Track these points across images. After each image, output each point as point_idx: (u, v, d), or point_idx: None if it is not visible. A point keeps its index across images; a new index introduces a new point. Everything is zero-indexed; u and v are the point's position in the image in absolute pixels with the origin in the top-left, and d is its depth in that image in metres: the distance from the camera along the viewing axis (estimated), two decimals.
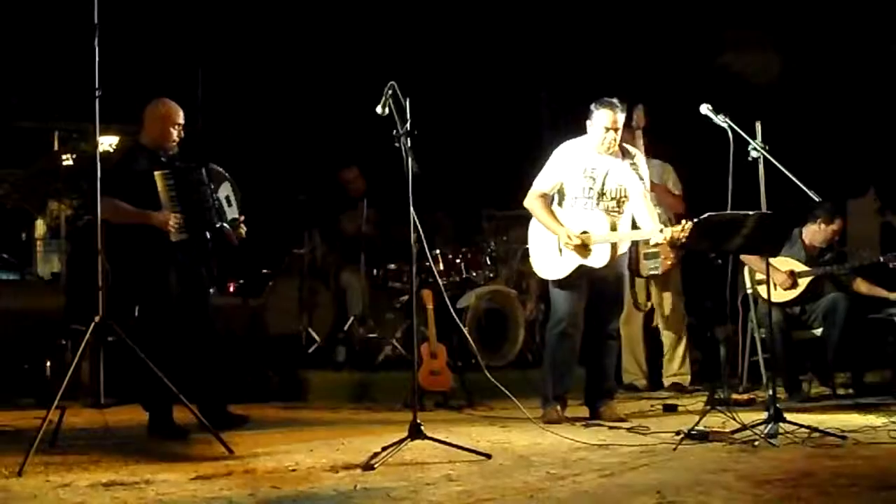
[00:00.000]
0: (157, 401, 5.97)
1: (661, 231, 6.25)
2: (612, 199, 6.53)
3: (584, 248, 6.43)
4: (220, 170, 6.38)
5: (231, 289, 10.07)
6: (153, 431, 6.05)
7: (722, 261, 6.63)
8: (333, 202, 9.35)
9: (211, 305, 6.54)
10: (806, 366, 8.04)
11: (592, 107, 6.52)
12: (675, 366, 8.24)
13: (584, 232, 6.46)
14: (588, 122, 6.55)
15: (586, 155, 6.56)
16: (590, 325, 6.69)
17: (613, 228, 6.46)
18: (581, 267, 6.50)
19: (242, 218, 6.40)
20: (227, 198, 6.33)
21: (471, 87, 11.32)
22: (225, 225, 6.27)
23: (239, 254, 6.52)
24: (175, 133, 6.19)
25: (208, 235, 6.23)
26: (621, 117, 6.49)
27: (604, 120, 6.46)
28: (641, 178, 6.54)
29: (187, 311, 6.15)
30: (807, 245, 7.94)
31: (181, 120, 6.22)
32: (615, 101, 6.50)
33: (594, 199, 6.51)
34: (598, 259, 6.45)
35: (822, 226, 7.89)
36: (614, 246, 6.46)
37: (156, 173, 6.05)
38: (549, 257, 6.65)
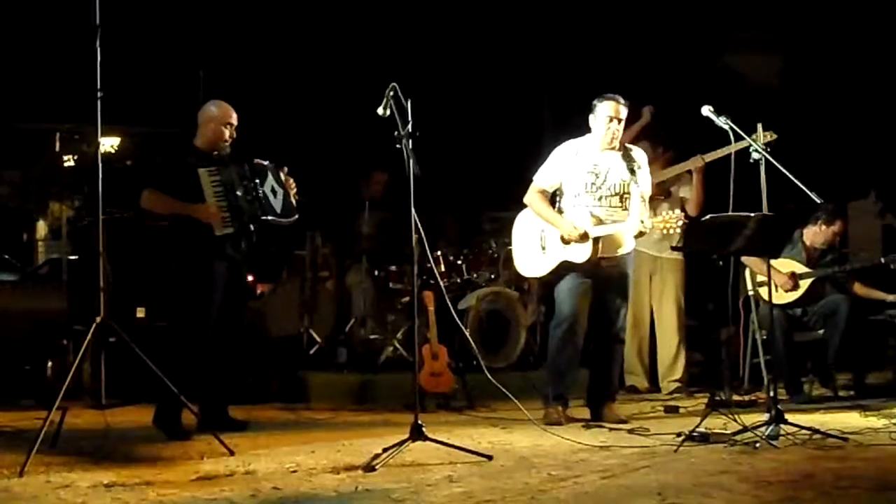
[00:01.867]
0: (168, 396, 5.92)
1: (643, 222, 6.28)
2: (615, 194, 6.54)
3: (586, 238, 6.44)
4: (264, 162, 6.42)
5: (258, 291, 10.06)
6: (158, 422, 6.05)
7: (723, 262, 6.64)
8: (344, 202, 9.35)
9: (245, 305, 6.57)
10: (807, 367, 8.04)
11: (595, 101, 6.58)
12: (675, 371, 8.22)
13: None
14: (591, 117, 6.60)
15: (589, 152, 6.58)
16: (596, 326, 6.70)
17: (597, 223, 6.46)
18: (563, 262, 6.52)
19: (292, 187, 6.44)
20: (273, 190, 6.37)
21: (473, 89, 11.33)
22: (270, 218, 6.30)
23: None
24: (227, 133, 6.28)
25: (252, 228, 6.27)
26: (623, 110, 6.55)
27: (607, 110, 6.52)
28: (638, 173, 6.54)
29: (227, 308, 6.18)
30: (807, 246, 7.94)
31: (233, 120, 6.31)
32: (616, 95, 6.55)
33: (597, 194, 6.51)
34: (579, 254, 6.46)
35: (823, 227, 7.89)
36: (596, 241, 6.45)
37: (200, 171, 6.14)
38: (532, 254, 6.72)
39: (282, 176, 6.44)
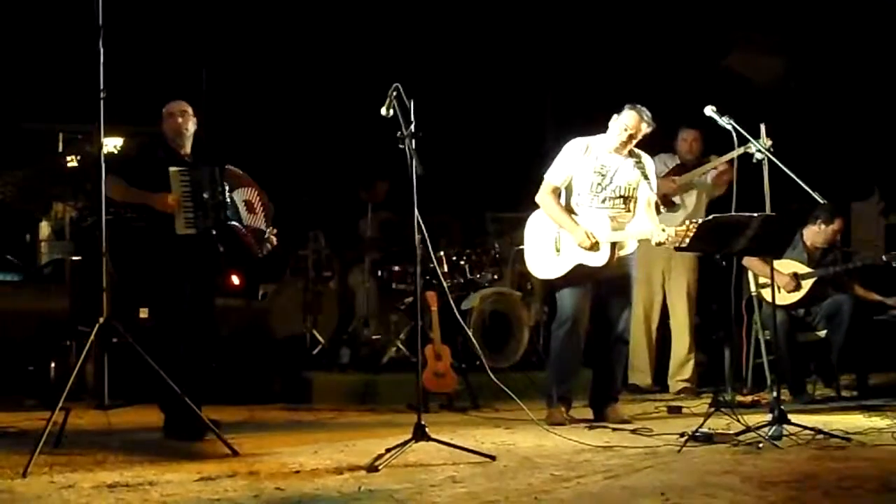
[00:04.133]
0: (173, 401, 5.89)
1: (664, 230, 6.25)
2: (620, 196, 6.52)
3: (597, 248, 6.41)
4: (241, 173, 6.39)
5: (261, 293, 10.07)
6: (168, 433, 6.03)
7: (726, 263, 6.63)
8: (346, 203, 9.35)
9: (214, 307, 6.53)
10: (810, 368, 8.03)
11: (626, 105, 6.50)
12: (685, 370, 8.22)
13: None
14: (614, 116, 6.53)
15: (597, 151, 6.56)
16: (599, 326, 6.69)
17: (617, 228, 6.45)
18: (579, 265, 6.49)
19: (273, 231, 6.43)
20: (246, 202, 6.34)
21: (477, 89, 11.32)
22: (236, 224, 6.27)
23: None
24: (182, 121, 6.22)
25: (214, 232, 6.23)
26: (645, 127, 6.47)
27: (627, 120, 6.47)
28: (647, 179, 6.53)
29: (194, 310, 6.15)
30: (808, 246, 7.93)
31: (183, 107, 6.25)
32: (646, 111, 6.48)
33: (601, 195, 6.50)
34: (597, 258, 6.44)
35: (823, 226, 7.87)
36: (614, 245, 6.44)
37: (171, 169, 6.10)
38: (546, 256, 6.66)
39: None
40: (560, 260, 6.57)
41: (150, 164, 6.16)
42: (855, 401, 7.65)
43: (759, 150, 6.04)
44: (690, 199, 8.03)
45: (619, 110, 6.53)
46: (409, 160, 5.49)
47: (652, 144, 7.50)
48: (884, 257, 7.73)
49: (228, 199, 6.26)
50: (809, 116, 10.85)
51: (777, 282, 7.38)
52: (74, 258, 8.79)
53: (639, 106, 6.51)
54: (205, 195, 6.16)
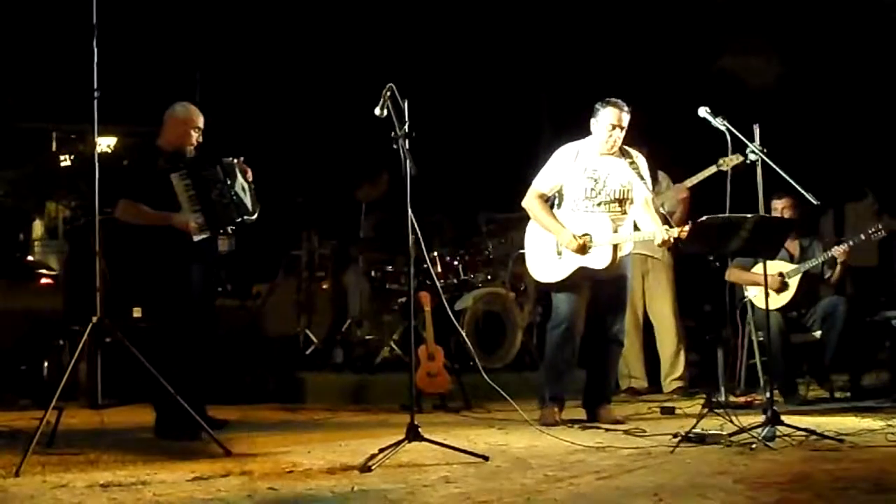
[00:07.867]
0: (165, 401, 5.88)
1: (667, 230, 6.25)
2: (615, 199, 6.52)
3: (584, 249, 6.42)
4: (231, 160, 6.36)
5: (254, 293, 10.06)
6: (159, 433, 6.02)
7: (719, 263, 6.63)
8: (342, 204, 9.35)
9: (215, 305, 6.55)
10: (803, 369, 8.03)
11: (598, 105, 6.53)
12: (676, 370, 8.22)
13: (585, 234, 6.46)
14: (593, 121, 6.55)
15: (588, 156, 6.56)
16: (593, 327, 6.69)
17: (615, 230, 6.46)
18: (581, 269, 6.49)
19: (250, 175, 6.40)
20: (243, 187, 6.33)
21: (471, 89, 11.32)
22: (245, 218, 6.26)
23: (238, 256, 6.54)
24: (195, 136, 6.21)
25: (230, 231, 6.23)
26: (626, 116, 6.50)
27: (609, 117, 6.48)
28: (643, 178, 6.53)
29: (201, 309, 6.15)
30: (786, 247, 7.84)
31: (202, 124, 6.24)
32: (620, 101, 6.51)
33: (596, 200, 6.50)
34: (599, 260, 6.44)
35: (774, 212, 7.70)
36: (615, 247, 6.44)
37: (172, 176, 6.06)
38: (547, 260, 6.65)
39: (248, 174, 6.40)
40: (562, 263, 6.57)
41: (151, 176, 6.11)
42: (848, 402, 7.65)
43: (752, 152, 6.04)
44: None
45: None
46: (402, 160, 5.49)
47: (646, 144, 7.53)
48: (861, 236, 7.63)
49: (235, 197, 6.24)
50: (803, 118, 10.86)
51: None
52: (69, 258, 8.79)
53: (610, 99, 6.54)
54: (212, 197, 6.14)
